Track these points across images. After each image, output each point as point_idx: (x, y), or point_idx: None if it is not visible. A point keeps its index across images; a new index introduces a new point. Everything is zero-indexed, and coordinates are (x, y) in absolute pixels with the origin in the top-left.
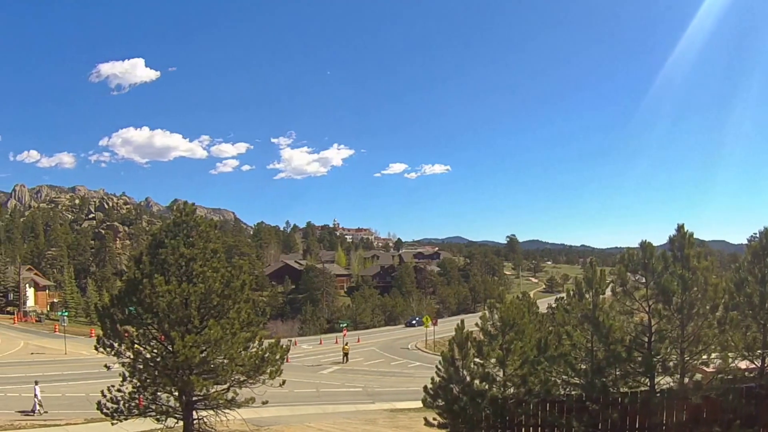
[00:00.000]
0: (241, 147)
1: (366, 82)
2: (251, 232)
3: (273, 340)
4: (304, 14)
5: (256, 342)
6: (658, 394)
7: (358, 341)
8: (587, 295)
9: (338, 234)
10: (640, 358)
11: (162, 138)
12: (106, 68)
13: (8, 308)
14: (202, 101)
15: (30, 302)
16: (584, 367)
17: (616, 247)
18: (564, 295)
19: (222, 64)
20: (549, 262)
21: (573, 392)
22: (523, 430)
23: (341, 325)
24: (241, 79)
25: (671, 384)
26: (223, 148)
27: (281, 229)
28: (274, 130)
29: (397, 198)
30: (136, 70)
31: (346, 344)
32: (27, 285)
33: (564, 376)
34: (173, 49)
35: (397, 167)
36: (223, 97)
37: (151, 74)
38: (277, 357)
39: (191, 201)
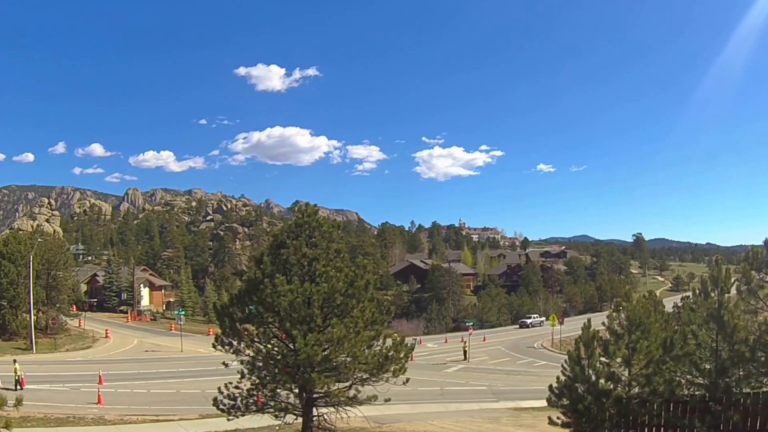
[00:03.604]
0: (376, 150)
1: (517, 86)
2: (375, 233)
3: (397, 339)
4: (448, 21)
5: (381, 340)
6: None
7: (484, 340)
8: (713, 294)
9: (464, 233)
10: (763, 358)
11: (300, 141)
12: (243, 72)
13: (122, 307)
14: (346, 106)
15: (145, 302)
16: (708, 366)
17: (741, 245)
18: (690, 293)
19: (372, 71)
20: (675, 261)
21: (696, 392)
22: (646, 430)
23: (467, 324)
24: (390, 85)
25: None
26: (360, 150)
27: (406, 229)
28: (418, 134)
29: (533, 197)
30: (272, 76)
31: (462, 339)
32: (141, 285)
33: (688, 376)
34: (321, 55)
35: (542, 167)
36: (368, 102)
37: (288, 80)
38: (402, 355)
39: (314, 202)
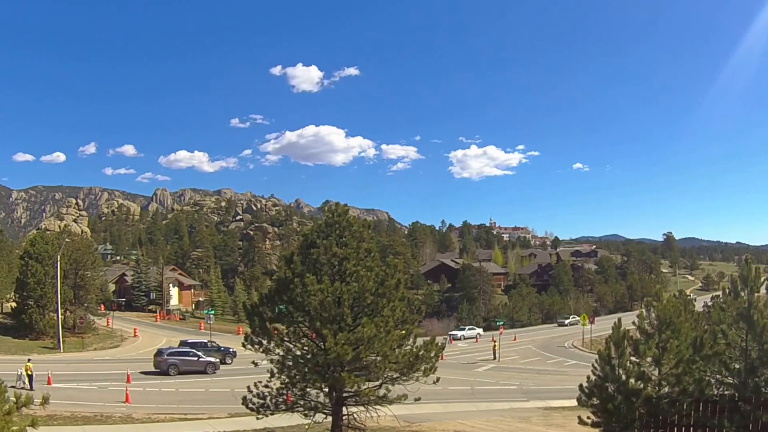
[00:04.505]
0: (412, 150)
1: (555, 84)
2: (406, 232)
3: (428, 338)
4: (494, 17)
5: (411, 340)
6: None
7: (515, 339)
8: (742, 293)
9: (495, 233)
10: None
11: (334, 141)
12: (279, 71)
13: (150, 307)
14: (384, 106)
15: (174, 301)
16: (738, 366)
17: None
18: (720, 293)
19: (412, 70)
20: (705, 260)
21: (726, 392)
22: (676, 429)
23: (497, 324)
24: (428, 84)
25: None
26: (395, 150)
27: (437, 228)
28: (455, 133)
29: (564, 197)
30: (309, 76)
31: (493, 339)
32: (171, 285)
33: (718, 376)
34: (361, 55)
35: (579, 167)
36: (406, 102)
37: (324, 80)
38: (432, 354)
39: (344, 202)
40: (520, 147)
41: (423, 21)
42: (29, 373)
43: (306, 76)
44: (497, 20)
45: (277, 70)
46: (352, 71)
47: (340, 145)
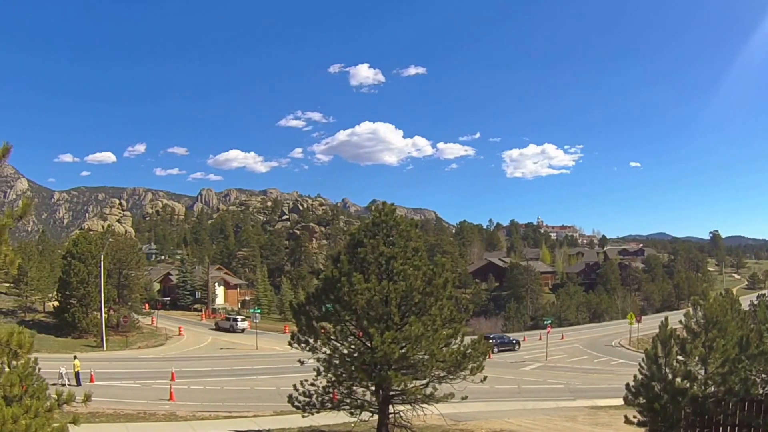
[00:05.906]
0: (470, 150)
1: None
2: (453, 231)
3: (476, 337)
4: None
5: (458, 338)
6: None
7: (562, 338)
8: None
9: (542, 231)
10: None
11: (390, 139)
12: (336, 70)
13: (195, 306)
14: (442, 106)
15: (219, 300)
16: None
17: None
18: (766, 291)
19: (470, 68)
20: (751, 258)
21: None
22: (721, 429)
23: (545, 323)
24: (489, 81)
25: None
26: (451, 149)
27: (484, 227)
28: (514, 132)
29: (614, 195)
30: (367, 75)
31: (540, 338)
32: (216, 284)
33: (763, 375)
34: (424, 54)
35: (635, 165)
36: (469, 100)
37: (383, 80)
38: (479, 353)
39: (391, 202)
40: (580, 146)
41: (495, 16)
42: (77, 370)
43: (366, 76)
44: (571, 12)
45: (335, 69)
46: (419, 70)
47: (397, 144)
